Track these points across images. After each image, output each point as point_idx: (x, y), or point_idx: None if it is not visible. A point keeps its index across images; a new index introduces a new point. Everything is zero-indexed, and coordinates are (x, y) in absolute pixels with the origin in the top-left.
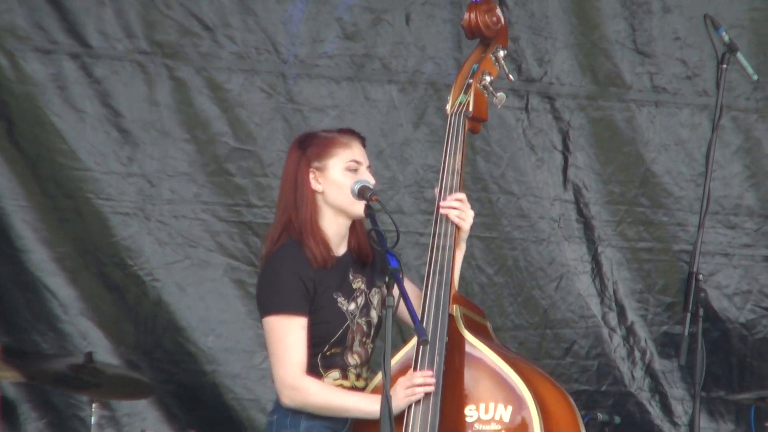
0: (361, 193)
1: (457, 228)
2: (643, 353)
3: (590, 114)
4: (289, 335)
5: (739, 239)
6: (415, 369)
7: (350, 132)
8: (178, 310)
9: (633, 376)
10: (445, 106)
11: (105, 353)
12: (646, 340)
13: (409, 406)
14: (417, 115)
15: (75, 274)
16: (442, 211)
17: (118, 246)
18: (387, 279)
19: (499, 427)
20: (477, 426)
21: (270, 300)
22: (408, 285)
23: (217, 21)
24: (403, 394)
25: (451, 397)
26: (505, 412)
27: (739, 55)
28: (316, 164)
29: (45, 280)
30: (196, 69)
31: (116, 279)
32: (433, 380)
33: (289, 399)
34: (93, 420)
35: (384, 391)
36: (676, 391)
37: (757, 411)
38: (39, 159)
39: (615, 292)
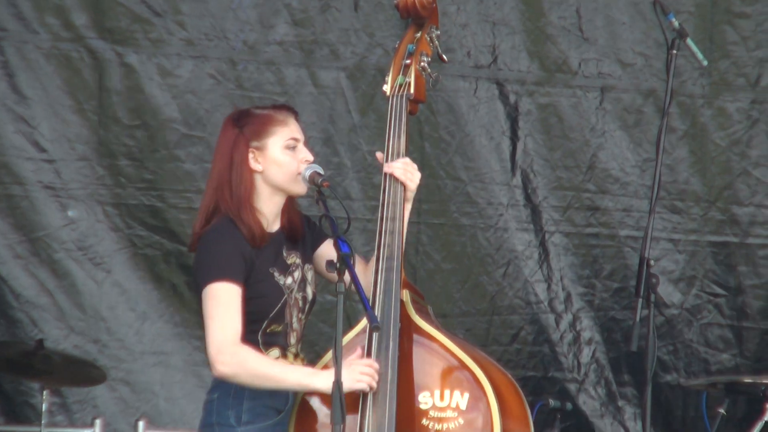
0: (312, 179)
1: (404, 187)
2: (590, 339)
3: (537, 100)
4: (227, 301)
5: (684, 225)
6: (368, 356)
7: (285, 108)
8: (128, 295)
9: (579, 362)
10: (383, 87)
11: (56, 340)
12: (592, 326)
13: (365, 394)
14: (365, 102)
15: (26, 261)
16: (386, 170)
17: (69, 233)
18: (338, 265)
19: (455, 414)
20: (432, 413)
21: (208, 269)
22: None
23: (167, 7)
24: (353, 378)
25: (402, 384)
26: (461, 399)
27: (689, 40)
28: (255, 143)
29: None
30: (146, 55)
31: (67, 266)
32: (376, 378)
33: (223, 365)
34: (44, 407)
35: (335, 378)
36: (622, 377)
37: (709, 397)
38: None
39: (562, 278)
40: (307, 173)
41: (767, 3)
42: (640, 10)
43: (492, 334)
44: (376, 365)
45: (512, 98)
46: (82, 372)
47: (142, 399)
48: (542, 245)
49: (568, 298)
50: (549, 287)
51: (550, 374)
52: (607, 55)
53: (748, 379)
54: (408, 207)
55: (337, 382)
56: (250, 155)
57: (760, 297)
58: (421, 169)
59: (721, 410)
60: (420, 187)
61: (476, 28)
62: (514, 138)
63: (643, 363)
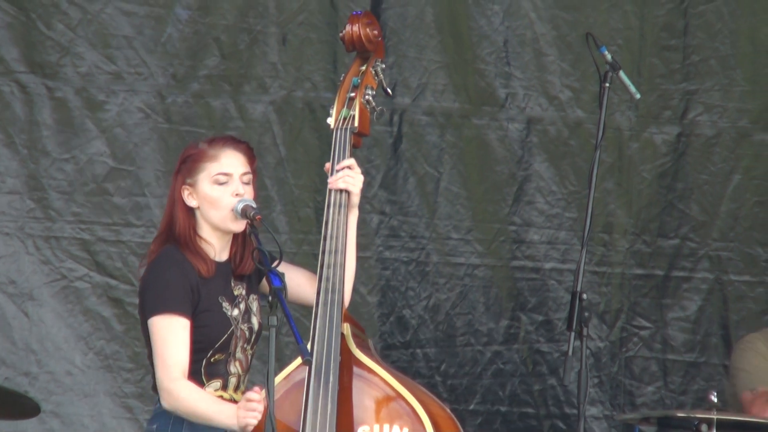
0: (244, 212)
1: (348, 193)
2: (514, 372)
3: (463, 132)
4: (170, 335)
5: (611, 257)
6: (307, 390)
7: (222, 141)
8: (57, 329)
9: (502, 395)
10: (327, 120)
11: None
12: (517, 359)
13: (304, 427)
14: (293, 135)
15: None
16: (330, 186)
17: None
18: (270, 298)
19: None
20: None
21: (153, 301)
22: (297, 271)
23: (96, 41)
24: (240, 415)
25: (342, 418)
26: None
27: (621, 73)
28: (188, 180)
29: None
30: (75, 89)
31: None
32: (260, 407)
33: (165, 401)
34: None
35: (268, 411)
36: (543, 410)
37: None
38: None
39: (486, 310)
40: (239, 206)
41: (694, 36)
42: (567, 42)
43: (414, 367)
44: (256, 396)
45: (437, 131)
46: (15, 405)
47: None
48: (467, 277)
49: (493, 331)
50: (473, 319)
51: (471, 407)
52: (534, 87)
53: (681, 413)
54: (353, 216)
55: (270, 415)
56: (185, 192)
57: (685, 330)
58: None
59: None
60: None
61: (403, 59)
62: (438, 170)
63: (577, 396)
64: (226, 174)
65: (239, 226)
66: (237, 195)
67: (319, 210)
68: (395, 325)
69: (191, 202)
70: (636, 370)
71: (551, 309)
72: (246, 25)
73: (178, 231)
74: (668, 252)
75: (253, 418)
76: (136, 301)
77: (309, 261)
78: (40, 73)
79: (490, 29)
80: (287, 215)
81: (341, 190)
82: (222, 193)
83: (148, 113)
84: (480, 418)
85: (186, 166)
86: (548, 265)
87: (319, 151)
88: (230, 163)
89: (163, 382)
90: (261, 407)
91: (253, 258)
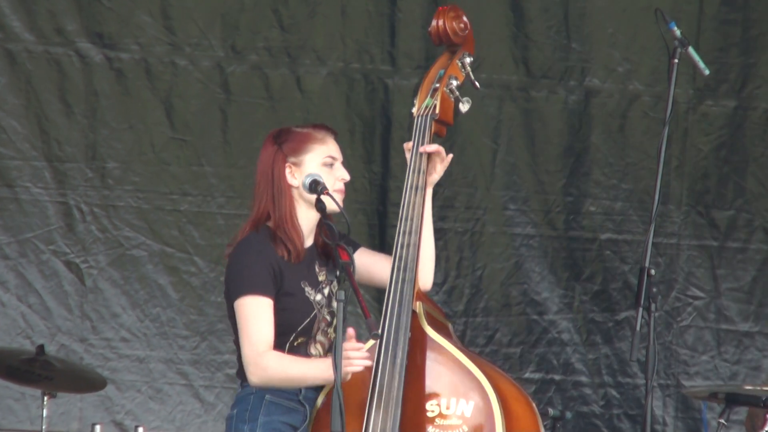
0: (312, 186)
1: (432, 169)
2: (568, 341)
3: (522, 104)
4: (256, 313)
5: (666, 228)
6: (376, 365)
7: (324, 128)
8: (113, 296)
9: (556, 364)
10: (412, 110)
11: (42, 340)
12: (572, 328)
13: (371, 400)
14: (350, 107)
15: (14, 262)
16: (421, 149)
17: (56, 233)
18: (338, 273)
19: (460, 422)
20: (438, 421)
21: (237, 285)
22: (377, 256)
23: (156, 13)
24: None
25: (412, 393)
26: (467, 407)
27: (690, 49)
28: (292, 159)
29: None
30: (134, 60)
31: (53, 267)
32: (361, 354)
33: (254, 375)
34: (44, 413)
35: (335, 386)
36: (597, 378)
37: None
38: None
39: (542, 280)
40: (307, 181)
41: (754, 10)
42: (626, 16)
43: (468, 336)
44: (358, 344)
45: (495, 103)
46: (83, 379)
47: (127, 398)
48: (523, 247)
49: (547, 300)
50: (528, 289)
51: (525, 375)
52: (592, 61)
53: (748, 387)
54: (429, 197)
55: (338, 392)
56: (287, 170)
57: (739, 300)
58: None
59: (722, 420)
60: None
61: None
62: (495, 142)
63: (645, 371)
64: (334, 158)
65: (332, 207)
66: (342, 180)
67: (374, 180)
68: (449, 295)
69: (292, 181)
70: (690, 339)
71: (606, 279)
72: None
73: (283, 208)
74: (723, 223)
75: (356, 366)
76: (192, 269)
77: (364, 231)
78: (99, 43)
79: (550, 2)
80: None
81: (419, 171)
82: (329, 175)
83: (207, 84)
84: (534, 387)
85: (289, 145)
86: (604, 236)
87: (374, 122)
88: (336, 148)
89: (250, 357)
90: (363, 354)
91: (321, 235)
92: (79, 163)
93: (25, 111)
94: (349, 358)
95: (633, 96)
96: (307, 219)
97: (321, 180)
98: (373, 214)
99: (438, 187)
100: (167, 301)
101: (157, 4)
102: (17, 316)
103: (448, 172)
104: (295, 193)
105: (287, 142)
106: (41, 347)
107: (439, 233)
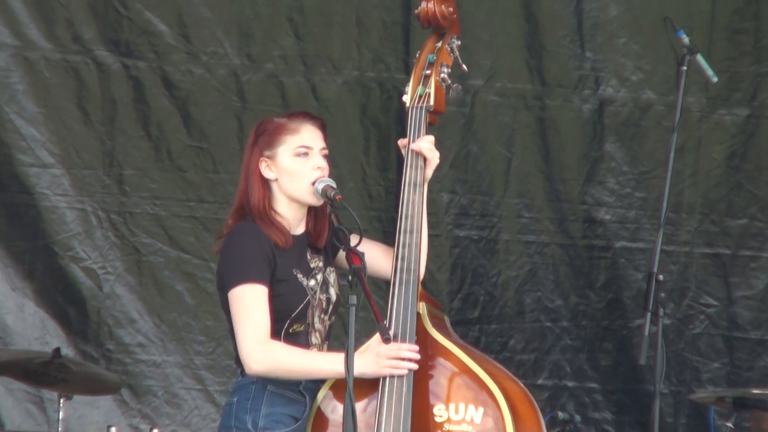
0: (325, 192)
1: (426, 165)
2: (581, 348)
3: (536, 113)
4: (255, 302)
5: (679, 236)
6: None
7: (302, 116)
8: (130, 302)
9: (569, 370)
10: (402, 97)
11: (59, 345)
12: (585, 336)
13: (381, 405)
14: (365, 115)
15: (31, 267)
16: (413, 147)
17: (74, 240)
18: (350, 278)
19: (470, 428)
20: (447, 426)
21: (233, 272)
22: (372, 245)
23: (173, 21)
24: (386, 363)
25: (419, 397)
26: (476, 413)
27: (699, 57)
28: (267, 152)
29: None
30: (151, 68)
31: (71, 272)
32: (417, 357)
33: (257, 363)
34: (60, 415)
35: (347, 390)
36: (610, 385)
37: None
38: None
39: (556, 287)
40: (320, 187)
41: (767, 20)
42: (639, 25)
43: (483, 342)
44: (415, 347)
45: (511, 112)
46: (98, 381)
47: (144, 403)
48: (537, 255)
49: (561, 307)
50: (542, 296)
51: (539, 381)
52: (606, 70)
53: (756, 391)
54: (424, 194)
55: (349, 394)
56: (263, 164)
57: (751, 308)
58: None
59: (729, 424)
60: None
61: (476, 41)
62: (510, 150)
63: (653, 375)
64: (307, 147)
65: (317, 200)
66: (318, 168)
67: (389, 188)
68: (464, 302)
69: (269, 174)
70: (702, 347)
71: (620, 287)
72: (321, 6)
73: (254, 203)
74: (736, 231)
75: (402, 370)
76: (208, 275)
77: (379, 238)
78: (116, 51)
79: (564, 11)
80: (358, 193)
81: (417, 167)
82: (303, 165)
83: (223, 92)
84: (547, 393)
85: (264, 138)
86: (618, 245)
87: (390, 130)
88: (311, 137)
89: (250, 346)
90: (413, 365)
91: (334, 239)
92: (96, 170)
93: (44, 119)
94: (401, 359)
95: (646, 105)
96: (289, 210)
97: (333, 185)
98: (389, 222)
99: (453, 195)
100: (183, 307)
101: (174, 13)
102: (35, 321)
103: (463, 181)
104: (274, 186)
105: (262, 135)
106: (57, 350)
107: (454, 241)
